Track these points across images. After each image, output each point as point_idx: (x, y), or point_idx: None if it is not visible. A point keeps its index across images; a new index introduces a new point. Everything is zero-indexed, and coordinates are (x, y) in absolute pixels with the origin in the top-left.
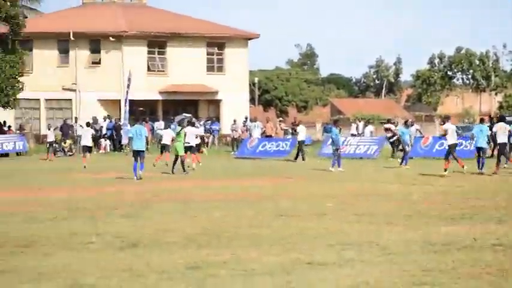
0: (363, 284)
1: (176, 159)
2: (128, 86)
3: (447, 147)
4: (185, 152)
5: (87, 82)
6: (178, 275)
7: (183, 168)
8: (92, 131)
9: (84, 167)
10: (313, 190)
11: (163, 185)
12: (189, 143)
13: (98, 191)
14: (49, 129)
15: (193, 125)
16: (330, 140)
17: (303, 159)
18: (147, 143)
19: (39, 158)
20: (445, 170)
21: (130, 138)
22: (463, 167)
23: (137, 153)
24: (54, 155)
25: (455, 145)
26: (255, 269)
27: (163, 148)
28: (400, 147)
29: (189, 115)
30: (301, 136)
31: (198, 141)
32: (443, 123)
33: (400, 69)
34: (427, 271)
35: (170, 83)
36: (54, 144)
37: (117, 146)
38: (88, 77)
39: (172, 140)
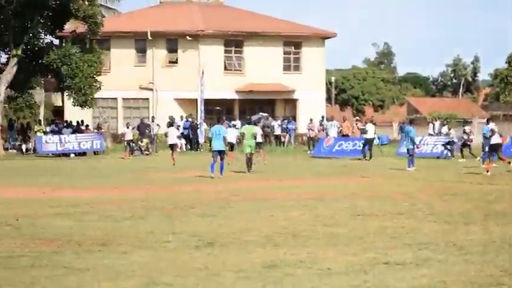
0: (440, 284)
1: (253, 158)
2: (202, 85)
3: (489, 147)
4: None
5: (164, 81)
6: (255, 274)
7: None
8: (177, 131)
9: (174, 164)
10: (389, 189)
11: (240, 184)
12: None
13: (175, 190)
14: (127, 128)
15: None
16: (409, 138)
17: (370, 157)
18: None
19: (118, 157)
20: (487, 171)
21: (210, 138)
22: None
23: (217, 153)
24: (132, 154)
25: (499, 145)
26: (331, 268)
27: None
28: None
29: (266, 114)
30: (369, 134)
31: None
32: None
33: (478, 68)
34: (505, 271)
35: (247, 82)
36: (131, 143)
37: (193, 145)
38: (165, 76)
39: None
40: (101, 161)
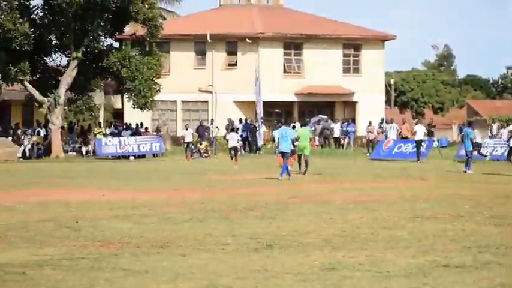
0: (500, 287)
1: (303, 160)
2: (257, 87)
3: None
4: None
5: (223, 84)
6: (314, 276)
7: (299, 167)
8: (236, 134)
9: (236, 167)
10: (449, 192)
11: (299, 187)
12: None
13: (234, 192)
14: (186, 129)
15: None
16: (468, 140)
17: (417, 158)
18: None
19: (177, 159)
20: None
21: (274, 139)
22: None
23: (283, 155)
24: (191, 156)
25: None
26: (390, 271)
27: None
28: None
29: (325, 117)
30: (418, 136)
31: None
32: None
33: None
34: None
35: (306, 85)
36: (191, 145)
37: (252, 147)
38: (224, 78)
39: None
40: (160, 163)
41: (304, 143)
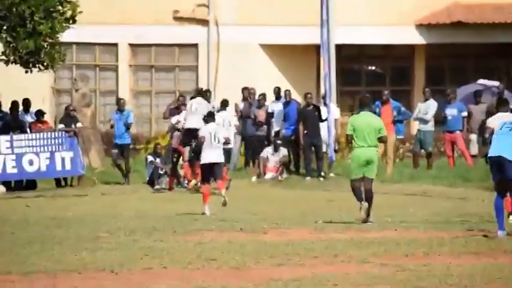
0: None
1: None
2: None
3: None
4: None
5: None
6: None
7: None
8: (222, 129)
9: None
10: None
11: None
12: None
13: None
14: (167, 117)
15: None
16: None
17: None
18: None
19: (133, 194)
20: None
21: None
22: None
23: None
24: (155, 187)
25: None
26: None
27: None
28: None
29: (496, 83)
30: None
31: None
32: None
33: None
34: None
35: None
36: (173, 158)
37: (308, 162)
38: None
39: None
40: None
41: (369, 151)
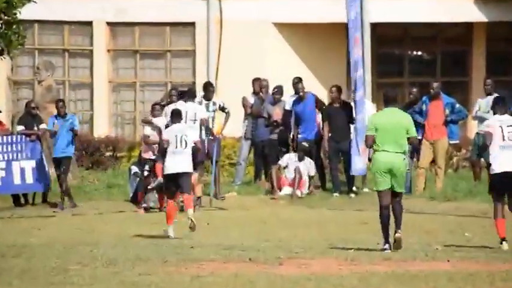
0: None
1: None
2: None
3: None
4: None
5: None
6: None
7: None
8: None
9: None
10: None
11: None
12: None
13: None
14: (148, 122)
15: None
16: None
17: None
18: None
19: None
20: None
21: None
22: None
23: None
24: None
25: None
26: None
27: None
28: None
29: None
30: None
31: None
32: None
33: None
34: None
35: None
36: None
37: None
38: None
39: None
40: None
41: (396, 158)
